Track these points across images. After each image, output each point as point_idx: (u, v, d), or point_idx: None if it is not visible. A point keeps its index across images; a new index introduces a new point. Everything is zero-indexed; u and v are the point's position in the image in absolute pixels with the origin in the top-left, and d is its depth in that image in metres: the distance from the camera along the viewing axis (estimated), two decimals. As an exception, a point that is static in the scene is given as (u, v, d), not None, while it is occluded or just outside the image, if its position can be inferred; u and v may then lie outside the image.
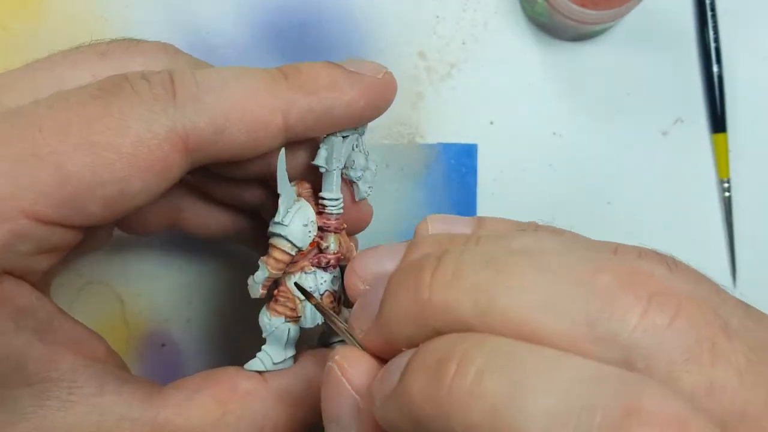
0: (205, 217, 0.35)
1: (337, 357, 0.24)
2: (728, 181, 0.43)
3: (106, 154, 0.25)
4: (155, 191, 0.26)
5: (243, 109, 0.26)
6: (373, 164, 0.31)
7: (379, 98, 0.29)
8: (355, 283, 0.27)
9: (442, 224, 0.28)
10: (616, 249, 0.24)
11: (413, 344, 0.22)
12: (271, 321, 0.29)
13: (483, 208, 0.43)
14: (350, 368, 0.24)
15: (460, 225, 0.27)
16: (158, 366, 0.41)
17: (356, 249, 0.31)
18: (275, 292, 0.29)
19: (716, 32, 0.43)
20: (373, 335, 0.24)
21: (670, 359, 0.19)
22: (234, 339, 0.41)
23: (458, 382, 0.19)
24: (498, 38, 0.44)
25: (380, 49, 0.43)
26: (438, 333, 0.21)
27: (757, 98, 0.44)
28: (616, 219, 0.43)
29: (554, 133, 0.43)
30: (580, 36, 0.43)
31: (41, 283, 0.28)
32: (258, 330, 0.29)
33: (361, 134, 0.30)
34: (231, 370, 0.29)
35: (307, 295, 0.29)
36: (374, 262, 0.26)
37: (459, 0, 0.44)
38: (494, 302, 0.21)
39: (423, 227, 0.28)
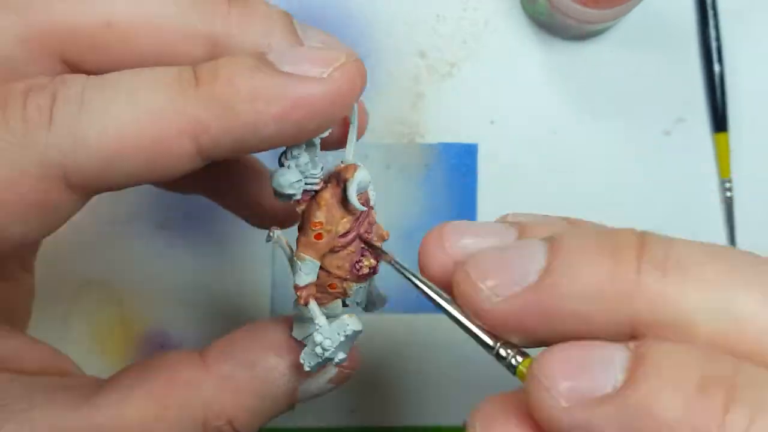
0: None
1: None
2: (730, 181, 0.43)
3: None
4: (46, 229, 0.22)
5: (137, 135, 0.21)
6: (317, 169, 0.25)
7: (322, 109, 0.22)
8: (442, 258, 0.22)
9: (526, 217, 0.24)
10: None
11: (590, 330, 0.19)
12: None
13: (483, 208, 0.43)
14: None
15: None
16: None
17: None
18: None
19: (717, 31, 0.43)
20: (524, 302, 0.19)
21: None
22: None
23: (735, 420, 0.16)
24: (499, 37, 0.44)
25: (380, 49, 0.43)
26: (632, 327, 0.18)
27: (758, 97, 0.44)
28: (617, 219, 0.43)
29: (555, 133, 0.43)
30: (581, 35, 0.43)
31: None
32: None
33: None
34: (170, 357, 0.26)
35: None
36: (471, 241, 0.22)
37: (459, -1, 0.44)
38: (738, 310, 0.17)
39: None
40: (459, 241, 0.22)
